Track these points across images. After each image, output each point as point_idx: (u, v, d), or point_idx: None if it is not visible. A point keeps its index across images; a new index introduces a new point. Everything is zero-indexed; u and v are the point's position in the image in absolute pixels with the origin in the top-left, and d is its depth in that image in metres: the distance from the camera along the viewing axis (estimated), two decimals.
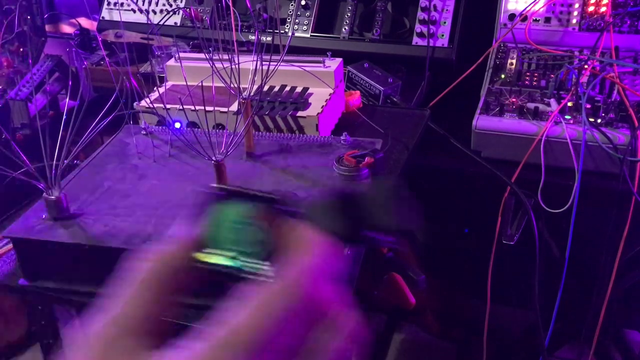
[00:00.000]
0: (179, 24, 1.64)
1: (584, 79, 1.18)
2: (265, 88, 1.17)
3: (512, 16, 1.36)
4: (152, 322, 0.32)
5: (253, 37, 1.51)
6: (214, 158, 0.81)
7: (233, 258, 0.33)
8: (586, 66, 1.20)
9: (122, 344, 0.30)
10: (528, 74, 1.26)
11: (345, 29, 1.52)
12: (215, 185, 0.35)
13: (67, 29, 1.81)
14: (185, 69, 1.05)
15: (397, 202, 0.33)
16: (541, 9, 1.33)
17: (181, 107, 0.88)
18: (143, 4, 1.67)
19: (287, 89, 1.25)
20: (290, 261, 0.31)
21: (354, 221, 0.34)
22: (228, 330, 0.29)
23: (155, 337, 0.32)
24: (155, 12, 1.66)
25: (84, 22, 1.75)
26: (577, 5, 1.32)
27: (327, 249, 0.31)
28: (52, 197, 0.87)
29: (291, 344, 0.29)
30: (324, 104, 1.17)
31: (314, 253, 0.31)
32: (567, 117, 1.13)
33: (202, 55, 1.25)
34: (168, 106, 0.99)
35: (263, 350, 0.28)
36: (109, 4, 1.71)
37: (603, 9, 1.29)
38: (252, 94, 0.97)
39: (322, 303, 0.30)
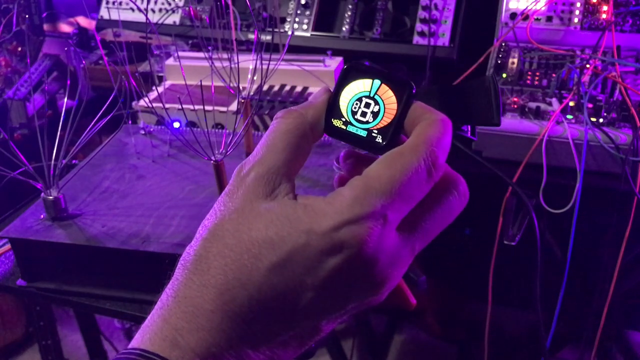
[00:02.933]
0: (178, 23, 1.63)
1: (586, 79, 1.17)
2: (265, 87, 1.16)
3: (513, 15, 1.35)
4: (290, 168, 0.37)
5: (252, 36, 1.51)
6: (213, 158, 0.81)
7: (362, 128, 0.39)
8: (588, 65, 1.19)
9: (267, 181, 0.36)
10: (529, 73, 1.25)
11: (345, 27, 1.51)
12: (360, 61, 0.39)
13: (65, 28, 1.80)
14: (184, 68, 1.05)
15: (494, 98, 0.40)
16: (543, 8, 1.32)
17: (180, 107, 0.87)
18: (142, 3, 1.66)
19: (287, 88, 1.24)
20: (419, 131, 0.36)
21: (461, 112, 0.41)
22: (368, 178, 0.34)
23: (291, 183, 0.37)
24: (154, 11, 1.66)
25: (83, 21, 1.74)
26: (578, 4, 1.31)
27: (446, 127, 0.37)
28: (51, 197, 0.86)
29: (418, 196, 0.35)
30: None
31: (437, 128, 0.36)
32: (569, 116, 1.12)
33: (201, 55, 1.25)
34: (167, 106, 0.99)
35: (397, 196, 0.34)
36: (107, 2, 1.70)
37: (605, 7, 1.29)
38: (251, 93, 0.96)
39: (441, 166, 0.36)
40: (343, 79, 0.39)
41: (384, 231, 0.34)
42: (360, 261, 0.33)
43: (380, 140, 0.38)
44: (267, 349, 0.34)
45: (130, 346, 0.35)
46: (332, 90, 0.40)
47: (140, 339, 0.34)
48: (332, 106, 0.39)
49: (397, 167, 0.34)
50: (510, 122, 1.15)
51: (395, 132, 0.38)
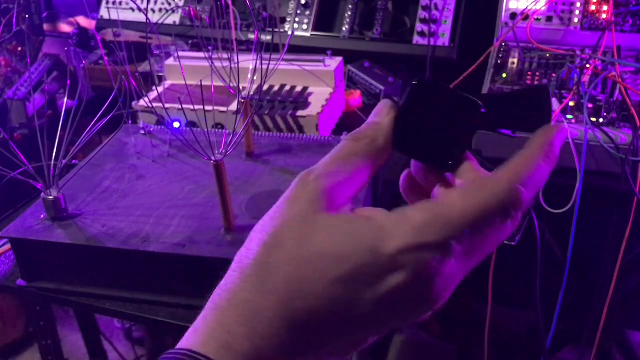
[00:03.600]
0: (178, 23, 1.63)
1: (586, 79, 1.17)
2: (265, 87, 1.16)
3: (513, 15, 1.35)
4: (353, 190, 0.37)
5: (252, 36, 1.51)
6: (213, 158, 0.81)
7: (430, 146, 0.38)
8: (588, 65, 1.19)
9: (333, 195, 0.36)
10: (530, 73, 1.25)
11: (345, 27, 1.51)
12: (425, 79, 0.39)
13: (65, 28, 1.80)
14: (185, 68, 1.05)
15: (549, 109, 0.40)
16: (543, 8, 1.32)
17: (180, 107, 0.87)
18: (142, 3, 1.66)
19: (287, 88, 1.24)
20: (512, 163, 0.36)
21: (513, 120, 0.40)
22: (442, 205, 0.34)
23: (352, 204, 0.37)
24: (154, 11, 1.65)
25: (83, 21, 1.74)
26: (578, 4, 1.31)
27: (545, 164, 0.36)
28: (51, 197, 0.86)
29: (488, 232, 0.35)
30: (324, 103, 1.17)
31: (533, 163, 0.36)
32: (569, 116, 1.12)
33: (201, 55, 1.25)
34: (167, 106, 0.99)
35: (471, 229, 0.34)
36: (107, 2, 1.70)
37: (605, 7, 1.29)
38: (251, 93, 0.96)
39: (524, 205, 0.35)
40: (411, 96, 0.39)
41: (445, 259, 0.34)
42: (418, 284, 0.34)
43: (448, 159, 0.38)
44: (315, 357, 0.35)
45: (179, 346, 0.34)
46: (396, 107, 0.39)
47: (193, 340, 0.34)
48: (400, 124, 0.38)
49: (475, 201, 0.34)
50: None
51: (462, 152, 0.38)
